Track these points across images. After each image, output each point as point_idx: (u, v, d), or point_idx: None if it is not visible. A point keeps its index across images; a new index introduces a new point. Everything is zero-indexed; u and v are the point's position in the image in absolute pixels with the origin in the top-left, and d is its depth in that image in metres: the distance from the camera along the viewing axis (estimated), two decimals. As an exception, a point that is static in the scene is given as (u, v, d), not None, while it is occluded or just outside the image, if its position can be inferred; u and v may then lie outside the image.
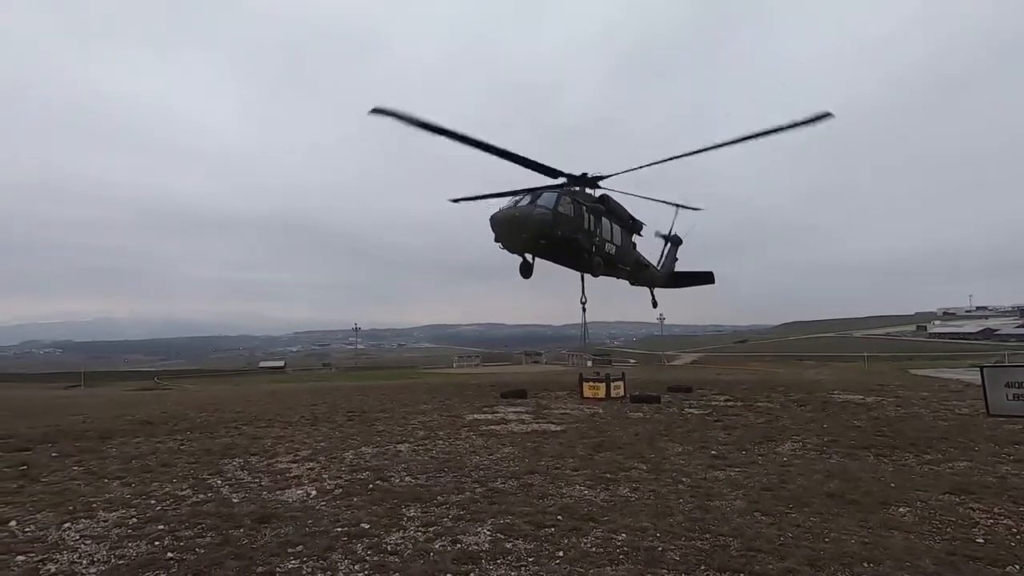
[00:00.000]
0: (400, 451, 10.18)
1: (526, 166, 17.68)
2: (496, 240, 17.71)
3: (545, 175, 18.45)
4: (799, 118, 15.64)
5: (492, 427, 12.87)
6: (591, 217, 18.95)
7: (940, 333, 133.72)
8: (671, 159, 18.91)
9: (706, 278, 28.39)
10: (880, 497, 6.91)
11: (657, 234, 27.31)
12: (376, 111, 14.56)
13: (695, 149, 18.05)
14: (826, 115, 15.45)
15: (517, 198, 17.89)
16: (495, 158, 17.07)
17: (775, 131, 16.21)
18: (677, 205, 23.81)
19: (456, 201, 21.71)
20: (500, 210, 17.44)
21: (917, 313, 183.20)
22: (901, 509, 6.50)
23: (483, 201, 20.48)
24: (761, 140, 16.67)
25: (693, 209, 24.77)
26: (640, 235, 23.49)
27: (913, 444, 10.22)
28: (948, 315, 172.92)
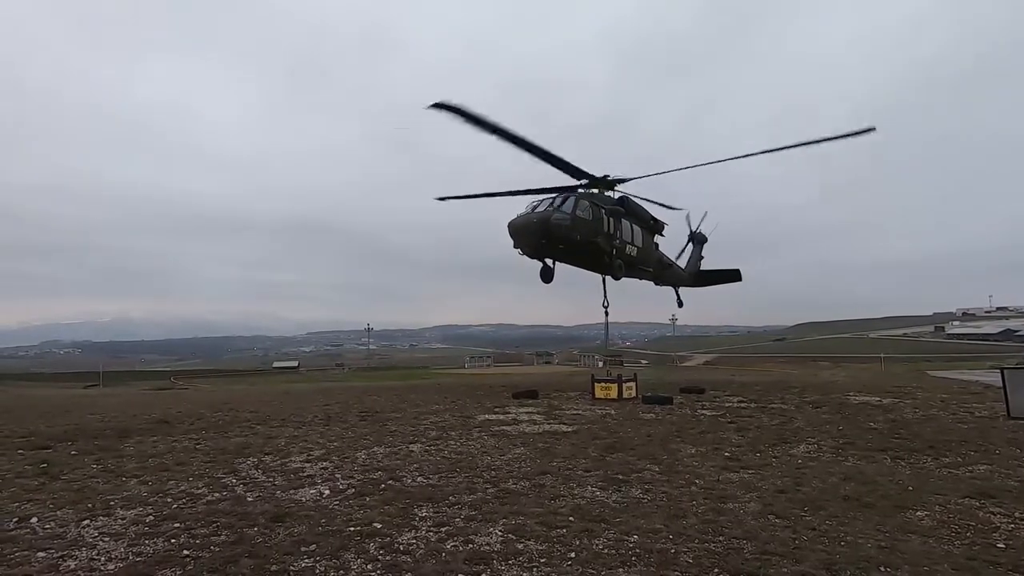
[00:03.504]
0: (412, 451, 10.23)
1: (558, 166, 17.46)
2: (515, 247, 17.44)
3: (571, 175, 18.27)
4: (843, 131, 15.53)
5: (504, 428, 12.88)
6: (610, 219, 18.65)
7: (959, 334, 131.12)
8: (701, 165, 18.75)
9: (733, 276, 27.86)
10: (897, 500, 6.80)
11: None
12: (437, 105, 14.05)
13: (729, 156, 18.04)
14: (870, 129, 15.20)
15: (534, 203, 17.63)
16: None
17: (817, 142, 15.98)
18: (657, 203, 22.43)
19: (443, 200, 21.66)
20: (518, 216, 17.19)
21: (935, 313, 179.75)
22: (919, 513, 6.38)
23: (477, 201, 20.36)
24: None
25: (674, 209, 24.40)
26: (662, 235, 23.08)
27: (931, 447, 10.03)
28: (967, 316, 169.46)
